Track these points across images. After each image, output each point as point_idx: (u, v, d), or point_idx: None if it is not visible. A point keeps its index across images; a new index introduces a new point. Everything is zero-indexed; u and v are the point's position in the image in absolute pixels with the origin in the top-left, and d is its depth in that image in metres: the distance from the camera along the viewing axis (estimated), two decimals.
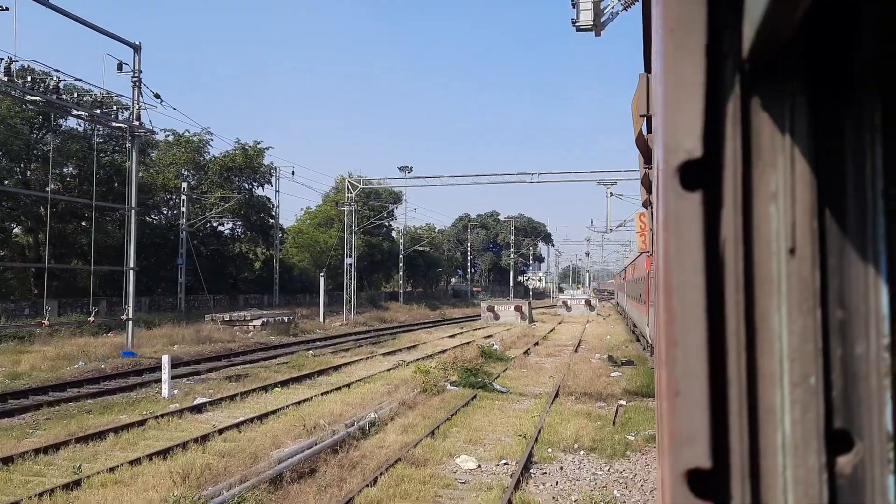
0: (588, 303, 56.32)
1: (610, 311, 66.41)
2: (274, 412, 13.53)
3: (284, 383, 17.68)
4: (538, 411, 14.78)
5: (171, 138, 47.78)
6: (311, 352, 24.63)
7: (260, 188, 52.62)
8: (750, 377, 0.59)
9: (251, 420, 12.74)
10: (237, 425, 12.42)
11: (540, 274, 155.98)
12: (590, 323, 48.35)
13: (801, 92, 0.59)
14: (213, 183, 47.36)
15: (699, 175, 0.59)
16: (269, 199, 54.51)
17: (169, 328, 27.90)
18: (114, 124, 24.20)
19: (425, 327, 42.63)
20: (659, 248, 0.68)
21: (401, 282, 71.40)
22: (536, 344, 30.47)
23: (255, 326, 32.00)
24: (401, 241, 71.14)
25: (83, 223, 37.28)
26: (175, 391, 16.37)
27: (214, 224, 50.73)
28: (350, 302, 43.62)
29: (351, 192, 43.46)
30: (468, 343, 30.30)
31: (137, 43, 24.70)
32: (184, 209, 40.06)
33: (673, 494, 0.59)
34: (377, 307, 60.72)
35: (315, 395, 15.39)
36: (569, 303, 56.85)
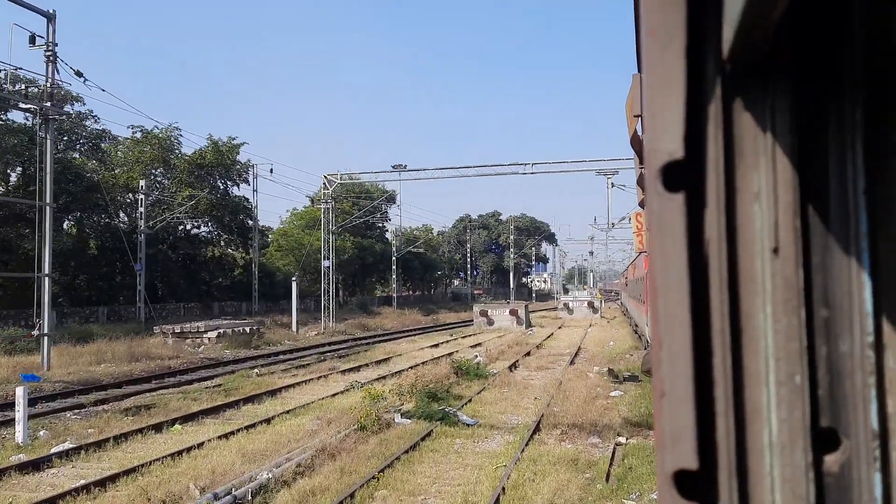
0: (591, 305, 52.39)
1: (616, 312, 62.47)
2: (133, 470, 9.78)
3: (192, 417, 13.96)
4: (508, 456, 11.02)
5: (138, 135, 44.32)
6: (256, 370, 20.88)
7: (235, 187, 49.00)
8: (735, 377, 0.59)
9: (86, 488, 8.99)
10: (62, 496, 8.69)
11: (545, 275, 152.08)
12: (593, 327, 44.48)
13: (782, 91, 0.60)
14: (182, 182, 43.75)
15: (682, 176, 0.59)
16: (247, 199, 50.94)
17: (101, 344, 24.21)
18: (22, 105, 20.53)
19: (411, 335, 38.87)
20: (648, 250, 0.68)
21: (394, 285, 67.60)
22: (528, 354, 26.66)
23: (209, 339, 28.32)
24: (394, 242, 67.39)
25: (27, 229, 33.68)
26: (43, 432, 12.68)
27: (188, 227, 47.16)
28: (328, 308, 39.85)
29: (328, 188, 39.69)
30: (450, 354, 26.59)
31: (51, 11, 21.11)
32: (141, 209, 36.40)
33: (661, 496, 0.59)
34: (368, 313, 57.06)
35: (213, 439, 11.64)
36: (570, 305, 52.94)
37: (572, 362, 24.08)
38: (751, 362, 0.59)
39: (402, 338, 36.65)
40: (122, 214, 43.86)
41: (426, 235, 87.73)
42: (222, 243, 47.34)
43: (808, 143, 0.60)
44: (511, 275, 78.70)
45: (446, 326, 46.86)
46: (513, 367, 22.72)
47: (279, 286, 56.58)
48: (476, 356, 24.33)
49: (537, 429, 12.95)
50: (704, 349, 0.59)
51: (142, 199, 36.55)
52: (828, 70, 0.60)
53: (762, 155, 0.60)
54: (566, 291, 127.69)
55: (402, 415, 13.48)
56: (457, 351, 27.95)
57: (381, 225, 77.34)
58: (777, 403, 0.58)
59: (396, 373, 20.71)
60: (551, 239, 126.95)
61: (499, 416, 14.58)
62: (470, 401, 15.85)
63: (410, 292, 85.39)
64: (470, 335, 38.17)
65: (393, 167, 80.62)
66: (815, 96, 0.60)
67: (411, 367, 21.58)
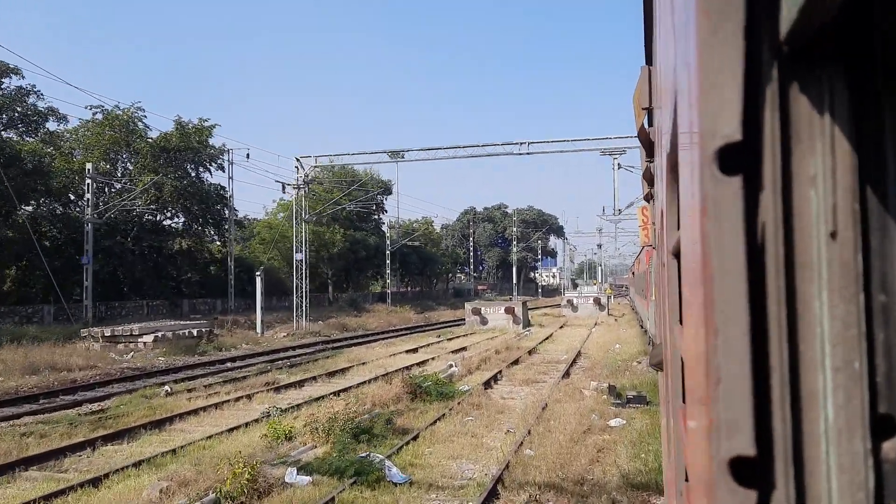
0: (597, 302, 48.01)
1: (625, 309, 58.07)
2: None
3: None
4: None
5: (99, 116, 40.42)
6: (168, 387, 16.75)
7: (207, 173, 44.99)
8: (792, 363, 0.58)
9: None
10: None
11: (553, 270, 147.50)
12: (598, 326, 40.18)
13: (839, 74, 0.59)
14: (146, 167, 39.80)
15: (738, 160, 0.59)
16: (222, 187, 46.93)
17: (7, 351, 20.17)
18: None
19: (393, 337, 34.74)
20: (692, 234, 0.69)
21: (388, 280, 63.49)
22: (516, 362, 22.43)
23: (144, 344, 24.30)
24: (389, 235, 63.25)
25: None
26: None
27: (159, 218, 43.22)
28: (301, 307, 35.76)
29: (302, 170, 35.53)
30: (423, 363, 22.42)
31: None
32: (88, 195, 32.42)
33: (716, 484, 0.59)
34: (358, 310, 53.01)
35: None
36: (575, 302, 48.58)
37: (567, 374, 19.83)
38: (807, 349, 0.58)
39: (380, 340, 32.52)
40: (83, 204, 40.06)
41: (425, 228, 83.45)
42: (193, 235, 43.25)
43: (866, 126, 0.59)
44: (514, 269, 74.37)
45: (437, 326, 42.71)
46: (493, 380, 18.51)
47: (271, 280, 52.69)
48: (450, 366, 20.14)
49: (494, 492, 8.78)
50: (761, 335, 0.58)
51: (89, 183, 32.58)
52: (885, 51, 0.58)
53: (819, 138, 0.59)
54: (575, 287, 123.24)
55: (299, 469, 9.30)
56: (434, 358, 23.81)
57: (376, 217, 73.15)
58: (834, 390, 0.57)
59: (344, 390, 16.58)
60: (559, 232, 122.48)
61: (447, 464, 10.39)
62: (416, 437, 11.67)
63: (408, 288, 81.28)
64: (459, 336, 34.01)
65: (389, 154, 76.50)
66: (872, 79, 0.59)
67: (366, 383, 17.43)
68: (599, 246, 78.74)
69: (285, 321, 41.45)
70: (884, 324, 0.58)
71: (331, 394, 15.68)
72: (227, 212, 46.29)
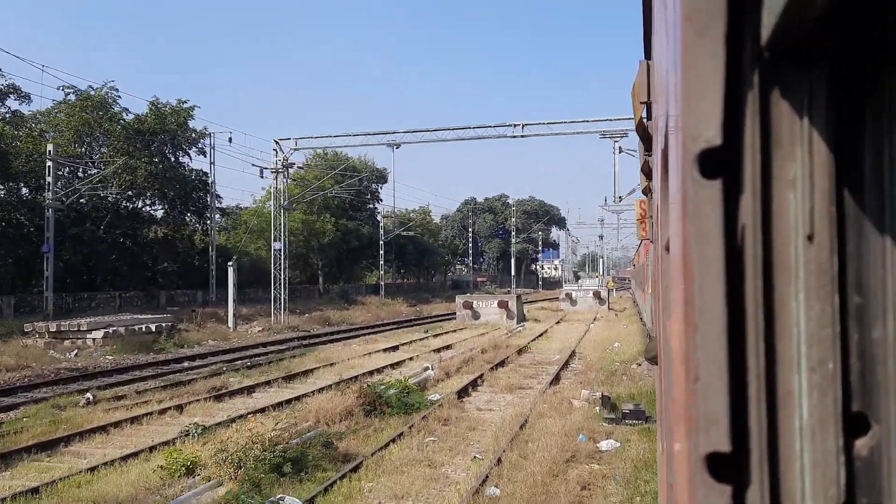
0: (597, 295, 45.65)
1: (627, 303, 55.76)
2: None
3: None
4: None
5: (72, 97, 38.14)
6: (90, 394, 14.49)
7: (187, 158, 42.70)
8: (768, 362, 0.59)
9: None
10: None
11: (556, 262, 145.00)
12: (598, 321, 37.88)
13: (820, 78, 0.60)
14: (118, 150, 37.52)
15: (719, 163, 0.60)
16: (205, 172, 44.67)
17: None
18: None
19: (378, 332, 32.50)
20: (675, 235, 0.71)
21: (381, 272, 61.20)
22: (502, 364, 20.14)
23: (93, 341, 22.07)
24: (384, 224, 60.90)
25: None
26: None
27: (135, 205, 41.01)
28: (280, 300, 33.52)
29: (281, 153, 33.15)
30: (399, 364, 20.17)
31: None
32: (49, 178, 30.17)
33: (692, 479, 0.60)
34: (349, 302, 50.80)
35: None
36: (573, 295, 46.23)
37: (557, 378, 17.56)
38: (784, 348, 0.59)
39: (363, 336, 30.27)
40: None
41: (423, 218, 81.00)
42: (171, 222, 40.99)
43: (845, 131, 0.60)
44: (513, 261, 72.10)
45: (427, 320, 40.46)
46: (471, 387, 16.25)
47: (245, 271, 50.38)
48: (426, 368, 17.87)
49: None
50: (738, 335, 0.59)
51: (50, 166, 30.29)
52: (865, 56, 0.59)
53: (798, 143, 0.60)
54: (577, 279, 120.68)
55: None
56: (413, 358, 21.56)
57: (371, 206, 70.88)
58: (809, 389, 0.58)
59: (297, 398, 14.33)
60: (561, 223, 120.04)
61: None
62: (357, 467, 9.40)
63: (404, 280, 79.00)
64: (447, 332, 31.75)
65: (387, 145, 73.98)
66: (852, 83, 0.60)
67: (320, 391, 15.18)
68: (601, 237, 76.43)
69: (268, 314, 39.25)
70: (858, 325, 0.59)
71: (271, 406, 13.40)
72: (208, 198, 44.07)
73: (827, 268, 0.60)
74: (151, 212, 41.31)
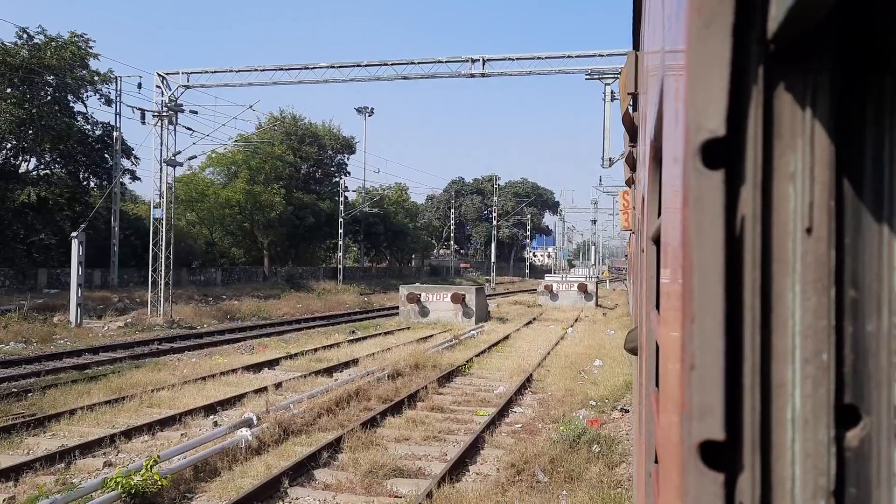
0: (583, 288, 37.85)
1: (620, 297, 48.03)
2: None
3: None
4: None
5: None
6: None
7: (80, 104, 34.69)
8: (763, 353, 0.60)
9: None
10: None
11: (550, 249, 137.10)
12: (580, 322, 30.16)
13: (823, 72, 0.60)
14: None
15: (721, 154, 0.61)
16: (112, 126, 36.67)
17: None
18: None
19: (285, 332, 24.73)
20: (672, 225, 0.72)
21: (340, 254, 53.29)
22: (408, 403, 12.37)
23: None
24: (342, 199, 52.92)
25: None
26: None
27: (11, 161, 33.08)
28: (160, 285, 25.67)
29: (167, 91, 25.09)
30: (226, 403, 12.45)
31: None
32: None
33: (686, 465, 0.61)
34: (297, 288, 43.05)
35: None
36: (554, 288, 38.39)
37: (477, 444, 9.84)
38: (779, 339, 0.60)
39: (256, 338, 22.47)
40: None
41: (399, 196, 72.96)
42: (56, 184, 33.02)
43: (846, 125, 0.60)
44: (493, 245, 64.37)
45: (370, 314, 32.75)
46: (289, 478, 8.48)
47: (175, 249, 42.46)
48: (242, 425, 10.07)
49: None
50: (735, 324, 0.60)
51: None
52: (868, 50, 0.60)
53: (800, 136, 0.60)
54: (571, 268, 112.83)
55: None
56: (273, 387, 13.80)
57: (337, 179, 62.62)
58: (802, 379, 0.59)
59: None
60: (555, 208, 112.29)
61: None
62: None
63: (372, 264, 71.13)
64: (379, 335, 24.02)
65: (357, 110, 65.68)
66: (854, 78, 0.60)
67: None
68: (594, 222, 68.55)
69: (178, 300, 31.47)
70: (853, 318, 0.60)
71: None
72: (115, 157, 36.12)
73: (824, 261, 0.60)
74: (29, 169, 33.33)
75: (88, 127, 36.10)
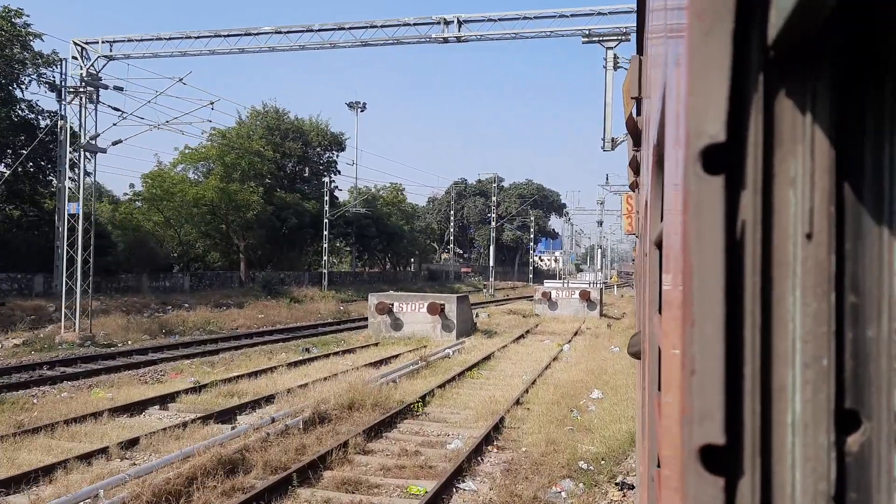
0: (586, 296, 33.64)
1: (628, 305, 43.89)
2: None
3: None
4: None
5: None
6: None
7: (19, 90, 30.90)
8: (764, 357, 0.60)
9: None
10: None
11: (557, 254, 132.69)
12: (581, 336, 26.06)
13: (823, 78, 0.60)
14: None
15: (721, 159, 0.61)
16: (58, 115, 32.83)
17: None
18: None
19: (224, 351, 20.72)
20: (673, 230, 0.73)
21: (325, 258, 49.26)
22: (314, 471, 8.30)
23: None
24: (327, 199, 48.88)
25: None
26: None
27: None
28: (78, 292, 21.67)
29: (87, 62, 21.10)
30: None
31: None
32: None
33: (686, 470, 0.61)
34: (273, 294, 39.12)
35: None
36: (553, 295, 34.21)
37: None
38: (779, 344, 0.60)
39: (185, 357, 18.49)
40: None
41: (394, 197, 68.89)
42: None
43: (846, 130, 0.60)
44: (492, 249, 60.33)
45: (343, 325, 28.76)
46: None
47: (129, 252, 38.65)
48: None
49: None
50: (735, 329, 0.60)
51: None
52: (869, 57, 0.60)
53: (800, 141, 0.60)
54: (579, 272, 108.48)
55: None
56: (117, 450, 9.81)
57: (327, 178, 58.54)
58: (802, 384, 0.59)
59: None
60: (561, 211, 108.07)
61: None
62: None
63: (365, 269, 67.04)
64: (339, 352, 20.02)
65: (349, 105, 61.53)
66: (855, 84, 0.60)
67: None
68: (600, 223, 64.20)
69: (128, 309, 27.58)
70: (853, 323, 0.60)
71: None
72: (60, 150, 32.24)
73: (825, 266, 0.60)
74: None
75: (33, 116, 32.31)
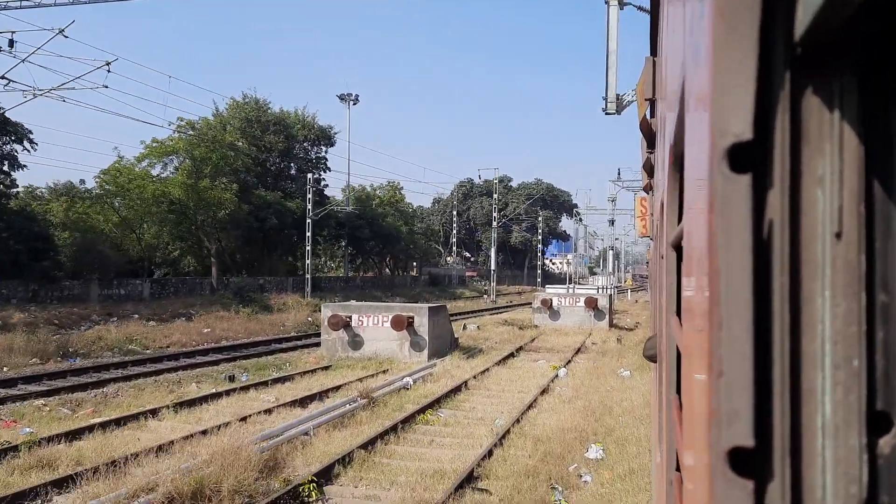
0: (592, 304, 28.84)
1: (643, 313, 39.05)
2: None
3: None
4: None
5: None
6: None
7: None
8: (793, 359, 0.59)
9: None
10: None
11: (569, 256, 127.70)
12: (584, 354, 21.37)
13: (850, 75, 0.60)
14: None
15: (748, 158, 0.60)
16: None
17: None
18: None
19: (128, 377, 16.25)
20: (698, 230, 0.72)
21: (307, 261, 44.75)
22: None
23: None
24: (310, 196, 44.42)
25: None
26: None
27: None
28: None
29: None
30: None
31: None
32: None
33: (714, 473, 0.60)
34: (245, 303, 34.70)
35: None
36: (555, 303, 29.44)
37: None
38: (809, 345, 0.59)
39: (59, 392, 14.02)
40: None
41: (391, 196, 64.30)
42: None
43: (874, 128, 0.60)
44: (493, 250, 55.86)
45: (302, 341, 24.21)
46: None
47: (82, 256, 34.44)
48: None
49: None
50: (763, 330, 0.59)
51: None
52: (893, 55, 0.59)
53: (828, 139, 0.60)
54: (592, 275, 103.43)
55: None
56: None
57: (315, 176, 54.03)
58: (833, 386, 0.58)
59: None
60: (572, 212, 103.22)
61: None
62: None
63: (359, 273, 62.50)
64: (264, 382, 15.49)
65: (340, 98, 57.04)
66: (883, 81, 0.60)
67: None
68: (611, 222, 59.34)
69: (61, 322, 23.32)
70: (884, 323, 0.59)
71: None
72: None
73: (854, 266, 0.59)
74: None
75: None
